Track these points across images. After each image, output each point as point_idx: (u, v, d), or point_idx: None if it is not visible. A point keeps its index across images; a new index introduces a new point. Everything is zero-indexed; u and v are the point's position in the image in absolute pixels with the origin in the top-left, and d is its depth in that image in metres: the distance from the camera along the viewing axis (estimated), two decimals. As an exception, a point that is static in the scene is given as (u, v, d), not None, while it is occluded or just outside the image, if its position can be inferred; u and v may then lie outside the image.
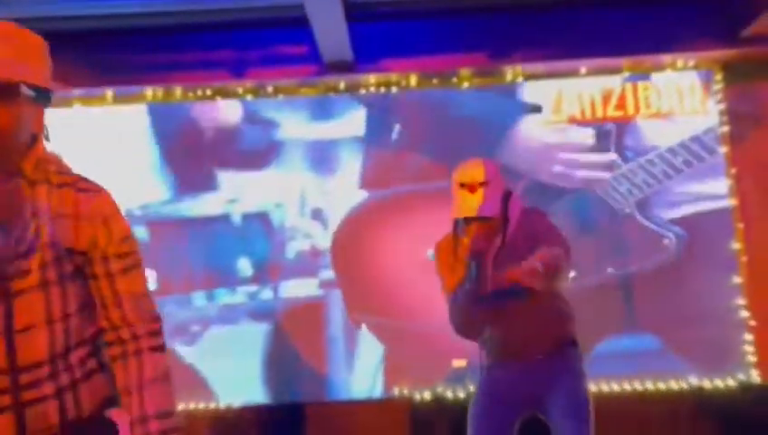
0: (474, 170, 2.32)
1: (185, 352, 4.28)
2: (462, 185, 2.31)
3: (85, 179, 1.49)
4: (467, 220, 2.32)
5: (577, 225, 4.30)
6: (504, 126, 4.41)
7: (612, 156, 4.37)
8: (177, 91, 4.43)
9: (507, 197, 2.39)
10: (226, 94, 4.46)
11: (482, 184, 2.29)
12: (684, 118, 4.39)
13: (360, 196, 4.41)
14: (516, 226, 2.40)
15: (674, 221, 4.31)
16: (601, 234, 4.33)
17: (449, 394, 4.17)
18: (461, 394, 4.12)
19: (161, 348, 1.53)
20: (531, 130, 4.40)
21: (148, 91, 4.42)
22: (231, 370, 4.27)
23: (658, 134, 4.39)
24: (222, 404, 4.22)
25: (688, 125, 4.39)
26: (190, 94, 4.45)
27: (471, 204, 2.27)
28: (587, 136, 4.40)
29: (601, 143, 4.39)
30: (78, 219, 1.44)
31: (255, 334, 4.31)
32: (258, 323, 4.32)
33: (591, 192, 4.35)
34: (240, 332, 4.31)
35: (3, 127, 1.36)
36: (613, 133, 4.39)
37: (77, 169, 1.52)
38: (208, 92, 4.45)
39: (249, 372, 4.27)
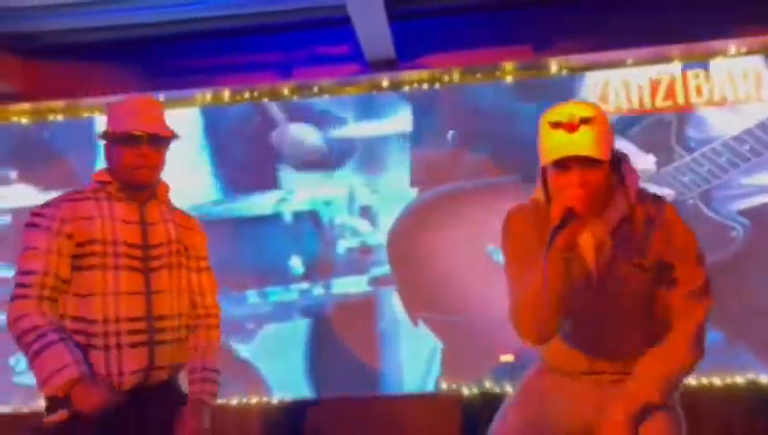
0: (574, 106, 1.71)
1: (240, 348, 4.40)
2: (555, 124, 1.67)
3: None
4: (564, 165, 1.67)
5: None
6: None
7: (673, 146, 4.28)
8: (226, 93, 4.54)
9: (620, 160, 1.80)
10: (273, 96, 4.54)
11: (586, 121, 1.66)
12: (738, 106, 4.27)
13: (410, 193, 4.44)
14: (641, 214, 1.80)
15: (739, 212, 4.20)
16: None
17: (497, 389, 4.19)
18: (508, 388, 4.13)
19: (220, 327, 2.30)
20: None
21: (198, 95, 4.54)
22: (283, 365, 4.38)
23: (719, 123, 4.27)
24: (275, 399, 4.34)
25: (745, 113, 4.26)
26: (238, 97, 4.55)
27: (571, 141, 1.65)
28: (644, 127, 4.32)
29: (660, 134, 4.30)
30: (185, 228, 2.26)
31: (307, 331, 4.40)
32: (310, 319, 4.41)
33: (652, 184, 4.25)
34: (292, 328, 4.41)
35: (159, 165, 2.17)
36: (674, 124, 4.29)
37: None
38: (255, 94, 4.54)
39: (301, 367, 4.37)
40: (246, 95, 4.55)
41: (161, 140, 2.15)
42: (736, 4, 4.11)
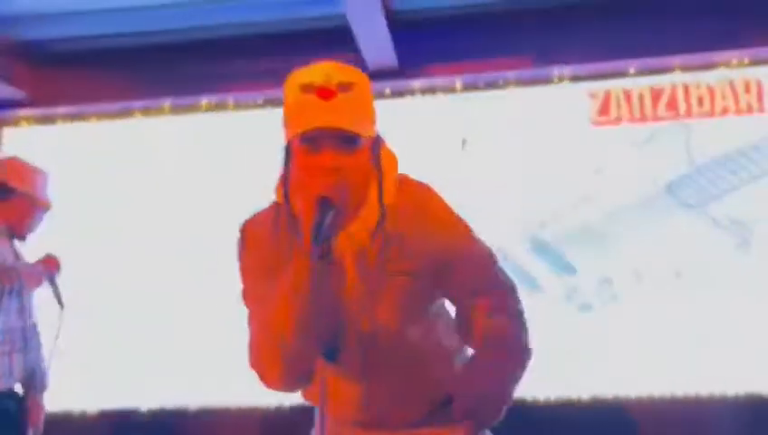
0: (331, 67, 1.33)
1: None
2: (306, 87, 1.29)
3: None
4: (314, 141, 1.30)
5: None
6: (550, 129, 4.37)
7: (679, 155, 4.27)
8: (230, 101, 4.60)
9: (377, 142, 1.40)
10: (277, 103, 4.59)
11: (345, 87, 1.29)
12: (739, 118, 4.25)
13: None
14: (405, 208, 1.41)
15: (735, 220, 4.17)
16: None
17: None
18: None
19: None
20: (578, 133, 4.35)
21: (203, 102, 4.61)
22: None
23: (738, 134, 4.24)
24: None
25: (748, 126, 4.23)
26: (242, 104, 4.61)
27: (325, 109, 1.27)
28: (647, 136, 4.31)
29: (662, 143, 4.29)
30: None
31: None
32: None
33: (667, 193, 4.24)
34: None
35: None
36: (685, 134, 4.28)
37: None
38: (259, 102, 4.60)
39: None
40: (250, 102, 4.61)
41: None
42: (738, 14, 4.10)
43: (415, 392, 1.48)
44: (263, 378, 1.35)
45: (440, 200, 1.47)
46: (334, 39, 4.32)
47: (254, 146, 4.58)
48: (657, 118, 4.31)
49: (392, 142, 1.49)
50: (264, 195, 1.53)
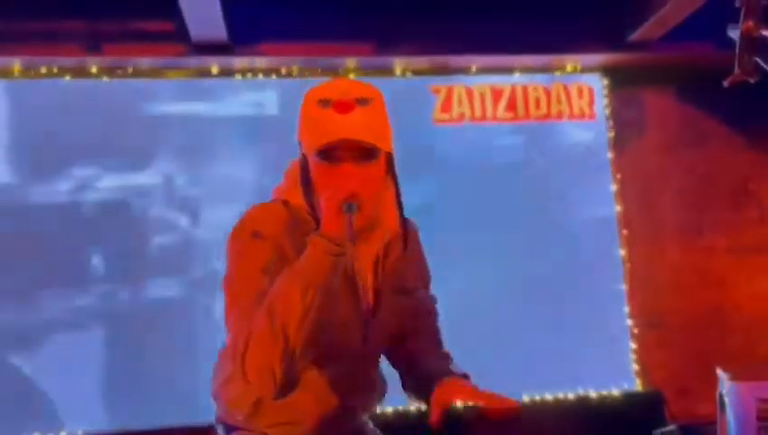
0: (348, 82, 1.40)
1: (22, 364, 3.64)
2: (324, 102, 1.32)
3: None
4: (334, 155, 1.33)
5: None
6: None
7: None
8: (16, 65, 3.79)
9: (392, 157, 1.44)
10: (78, 73, 3.87)
11: (363, 101, 1.32)
12: (573, 122, 4.30)
13: (246, 185, 3.93)
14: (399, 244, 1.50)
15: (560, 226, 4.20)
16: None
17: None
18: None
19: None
20: (417, 129, 4.14)
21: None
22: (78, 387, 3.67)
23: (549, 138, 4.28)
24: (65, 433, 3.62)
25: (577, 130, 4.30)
26: (32, 72, 3.82)
27: (344, 123, 1.30)
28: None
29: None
30: None
31: (107, 343, 3.74)
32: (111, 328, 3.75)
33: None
34: (89, 340, 3.72)
35: None
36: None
37: None
38: (55, 70, 3.84)
39: (98, 389, 3.70)
40: (43, 70, 3.83)
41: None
42: (574, 24, 4.12)
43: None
44: (247, 377, 1.25)
45: (417, 233, 1.60)
46: (152, 3, 3.72)
47: (49, 116, 3.85)
48: (496, 118, 4.23)
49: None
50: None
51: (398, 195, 1.44)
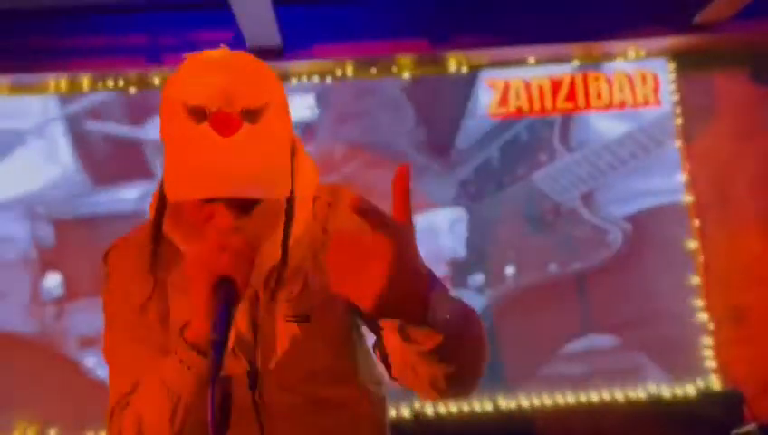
0: (228, 79, 0.98)
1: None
2: (196, 111, 0.96)
3: None
4: (209, 203, 1.01)
5: (520, 219, 4.01)
6: (448, 118, 4.08)
7: (557, 147, 4.09)
8: (85, 79, 3.96)
9: (293, 152, 1.10)
10: (141, 84, 4.01)
11: (253, 115, 0.98)
12: (636, 109, 4.13)
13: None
14: (317, 222, 1.13)
15: (626, 217, 4.04)
16: (545, 229, 4.03)
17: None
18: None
19: None
20: (475, 122, 4.08)
21: (52, 81, 3.94)
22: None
23: (609, 126, 4.13)
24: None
25: (641, 117, 4.13)
26: (99, 84, 3.99)
27: (225, 165, 0.96)
28: (531, 128, 4.11)
29: (544, 135, 4.10)
30: None
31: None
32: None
33: (533, 184, 4.05)
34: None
35: None
36: (557, 124, 4.10)
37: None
38: (120, 82, 3.99)
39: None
40: (110, 83, 3.99)
41: None
42: (637, 7, 3.97)
43: None
44: None
45: (357, 201, 1.16)
46: (210, 12, 3.82)
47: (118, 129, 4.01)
48: (555, 109, 4.12)
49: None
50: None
51: (297, 197, 1.09)
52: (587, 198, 4.05)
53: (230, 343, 0.97)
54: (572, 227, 4.02)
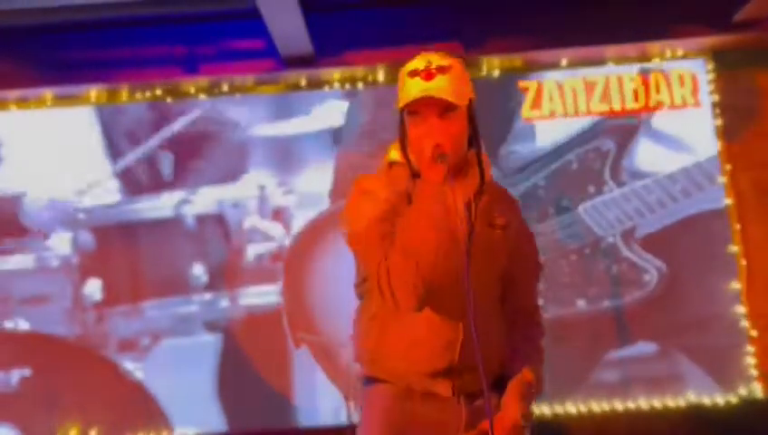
0: (432, 55, 1.64)
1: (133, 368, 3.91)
2: (412, 73, 1.62)
3: None
4: (420, 112, 1.61)
5: (558, 249, 3.95)
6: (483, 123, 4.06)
7: (607, 180, 4.02)
8: (124, 91, 4.07)
9: (476, 131, 1.69)
10: (178, 94, 4.10)
11: (442, 69, 1.60)
12: (675, 112, 4.04)
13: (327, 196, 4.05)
14: (491, 192, 1.71)
15: (665, 228, 3.96)
16: (581, 262, 3.97)
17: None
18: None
19: None
20: (510, 128, 4.06)
21: (92, 92, 4.06)
22: (185, 389, 3.89)
23: (662, 160, 4.03)
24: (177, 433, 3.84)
25: (695, 151, 4.02)
26: (138, 95, 4.09)
27: (427, 87, 1.58)
28: (582, 158, 4.05)
29: (595, 166, 4.03)
30: None
31: (212, 349, 3.92)
32: (215, 334, 3.93)
33: (576, 214, 3.99)
34: (195, 345, 3.92)
35: None
36: (611, 155, 4.02)
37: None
38: (158, 92, 4.09)
39: (205, 392, 3.89)
40: (148, 93, 4.09)
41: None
42: (674, 6, 3.89)
43: (496, 346, 1.68)
44: (398, 299, 1.56)
45: (519, 207, 1.82)
46: (243, 23, 3.89)
47: (154, 137, 4.11)
48: (590, 112, 4.06)
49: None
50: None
51: (476, 138, 1.69)
52: (628, 234, 3.97)
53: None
54: (610, 264, 3.95)
